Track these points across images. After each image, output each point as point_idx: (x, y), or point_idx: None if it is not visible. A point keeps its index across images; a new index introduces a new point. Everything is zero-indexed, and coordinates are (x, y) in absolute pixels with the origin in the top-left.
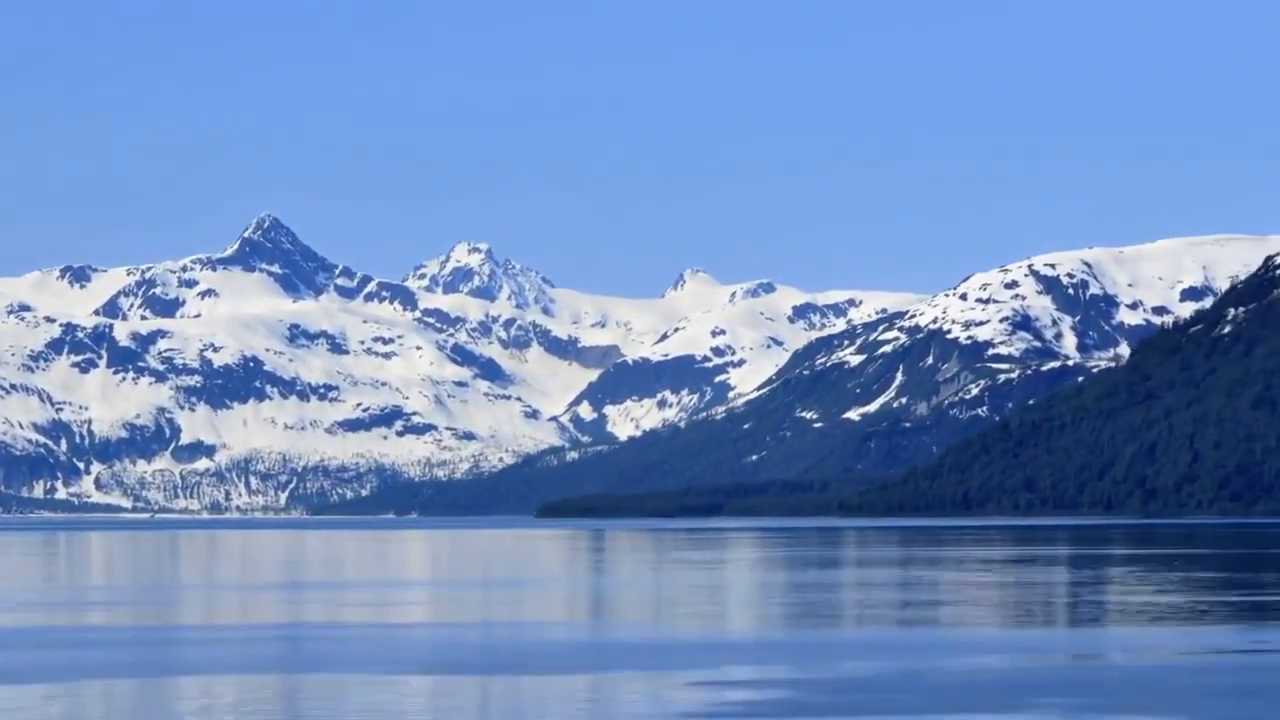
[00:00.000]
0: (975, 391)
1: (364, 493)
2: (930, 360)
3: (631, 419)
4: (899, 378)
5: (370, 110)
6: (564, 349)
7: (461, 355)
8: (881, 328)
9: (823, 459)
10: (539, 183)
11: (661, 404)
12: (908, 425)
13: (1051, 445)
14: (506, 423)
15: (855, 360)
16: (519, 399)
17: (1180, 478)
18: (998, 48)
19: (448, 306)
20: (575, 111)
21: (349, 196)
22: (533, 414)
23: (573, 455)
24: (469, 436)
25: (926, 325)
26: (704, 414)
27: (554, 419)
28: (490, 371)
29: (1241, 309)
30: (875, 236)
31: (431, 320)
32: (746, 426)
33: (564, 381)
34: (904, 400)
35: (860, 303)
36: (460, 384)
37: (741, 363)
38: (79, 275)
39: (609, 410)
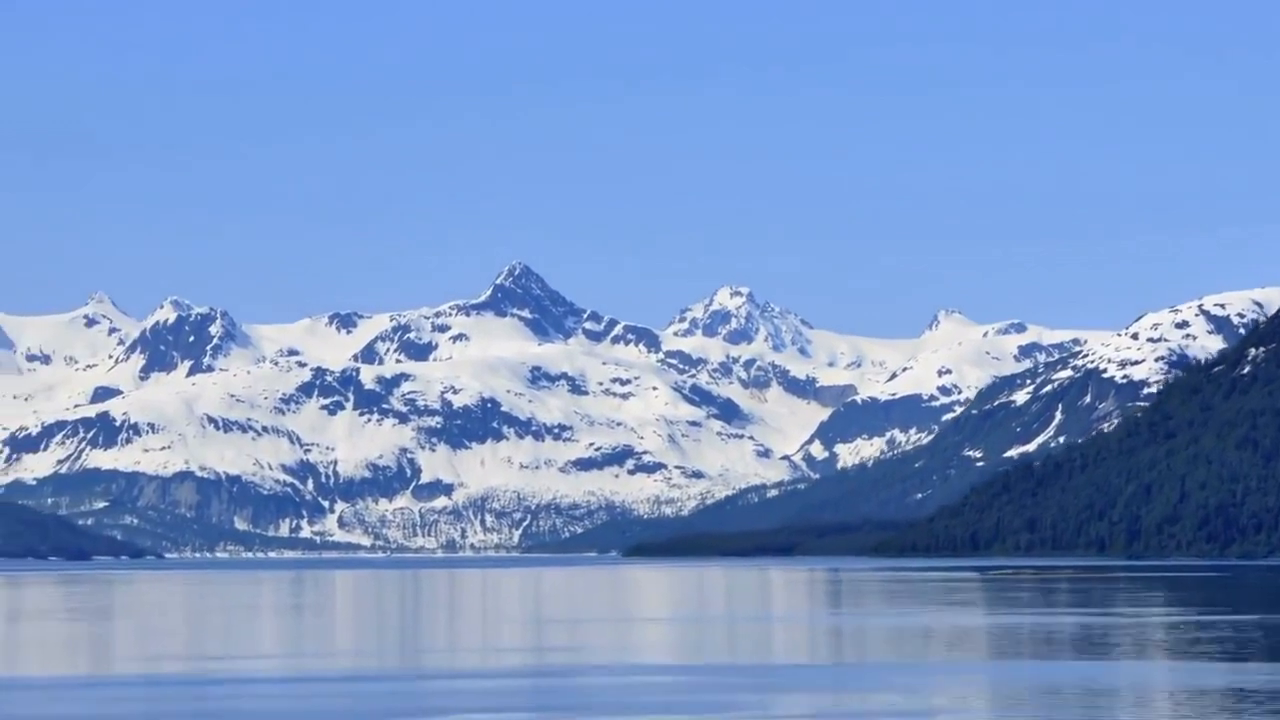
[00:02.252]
0: None
1: (583, 529)
2: (1088, 399)
3: (861, 457)
4: (1058, 416)
5: (626, 158)
6: (803, 389)
7: (699, 395)
8: (1058, 367)
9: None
10: (800, 227)
11: (891, 443)
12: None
13: (1065, 485)
14: (739, 461)
15: (1022, 399)
16: (752, 438)
17: (1164, 519)
18: (1187, 88)
19: (690, 348)
20: (835, 157)
21: (604, 243)
22: (765, 453)
23: (773, 493)
24: (698, 475)
25: (1086, 365)
26: (896, 453)
27: (786, 457)
28: (728, 411)
29: (1262, 349)
30: (1120, 278)
31: (674, 362)
32: (918, 465)
33: (801, 421)
34: (1061, 439)
35: (1085, 341)
36: (694, 424)
37: (967, 401)
38: (345, 321)
39: (840, 449)
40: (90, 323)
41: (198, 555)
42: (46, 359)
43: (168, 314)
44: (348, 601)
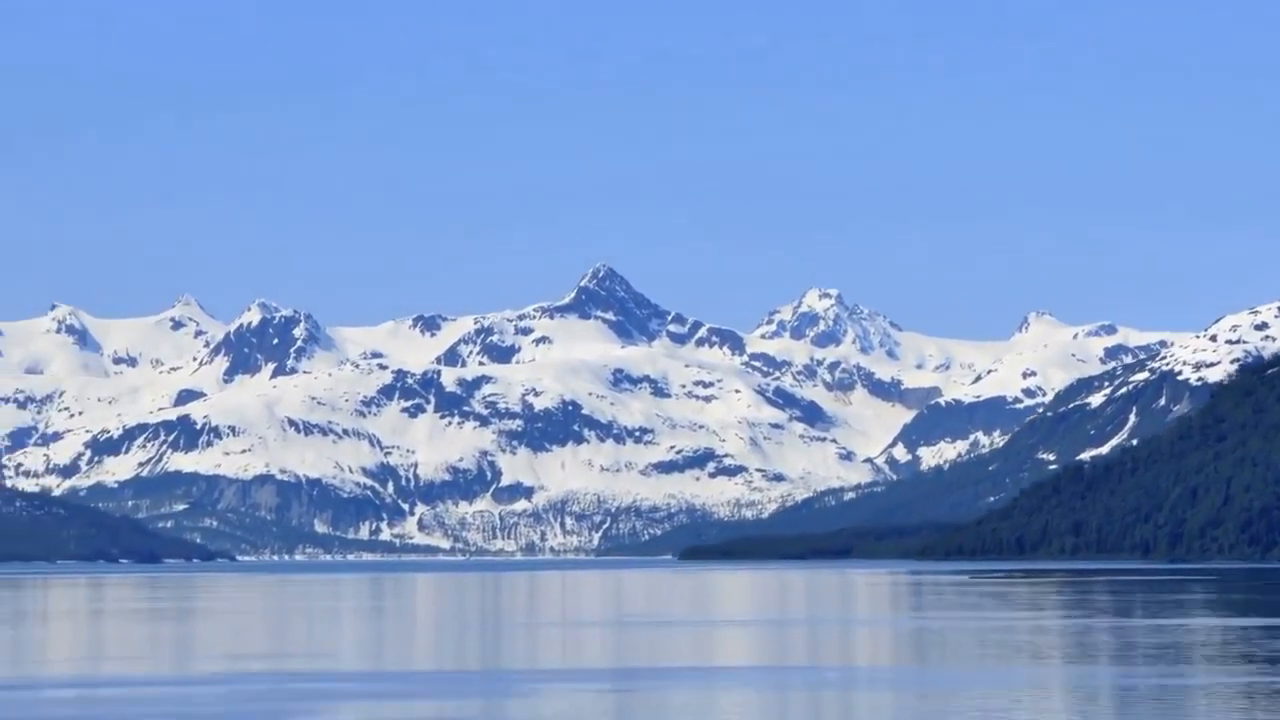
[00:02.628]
0: None
1: (662, 532)
2: (1162, 401)
3: (943, 460)
4: (1132, 419)
5: (715, 159)
6: (887, 391)
7: (783, 398)
8: (1136, 369)
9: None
10: (890, 228)
11: (974, 445)
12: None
13: (1115, 488)
14: (821, 464)
15: (1098, 401)
16: (834, 441)
17: (1207, 522)
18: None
19: (774, 350)
20: (928, 158)
21: (690, 246)
22: (847, 456)
23: (849, 496)
24: (779, 478)
25: (1161, 367)
26: (971, 456)
27: (868, 460)
28: (811, 414)
29: None
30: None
31: (758, 364)
32: (992, 468)
33: (885, 423)
34: (1134, 442)
35: (1171, 344)
36: (776, 426)
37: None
38: (430, 324)
39: (922, 451)
40: (177, 325)
41: (275, 558)
42: (133, 361)
43: (252, 317)
44: (429, 603)
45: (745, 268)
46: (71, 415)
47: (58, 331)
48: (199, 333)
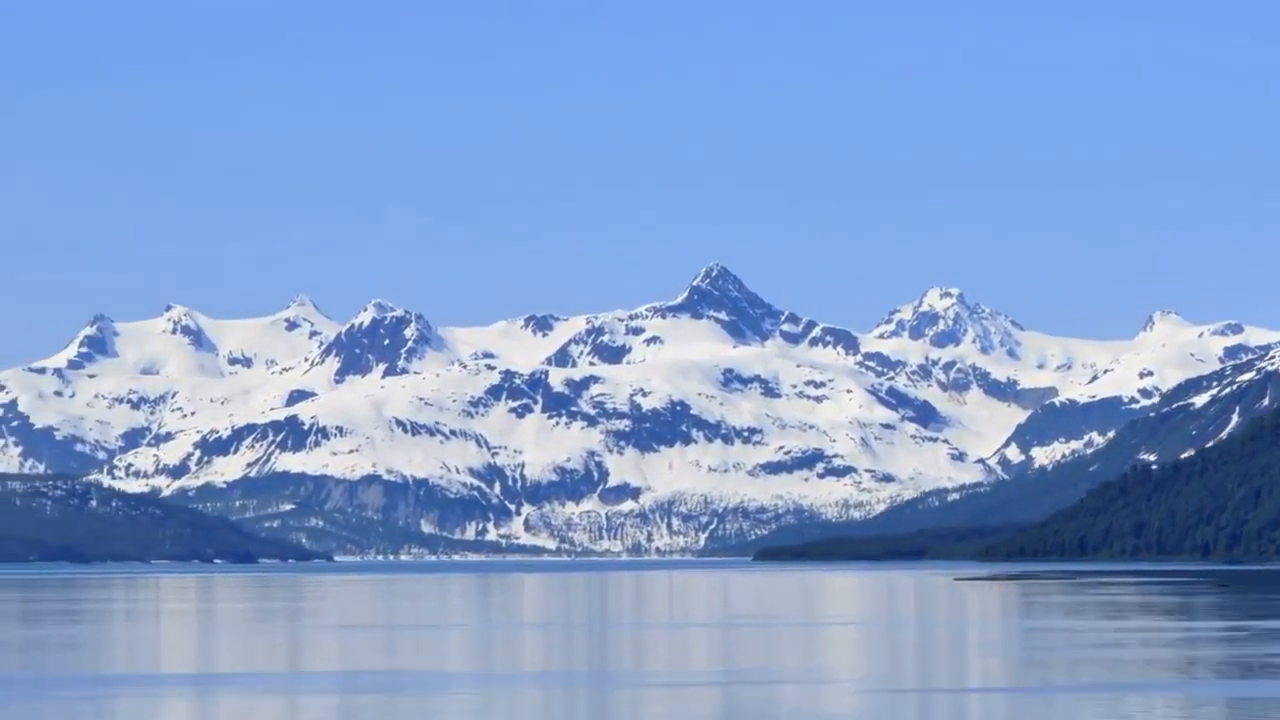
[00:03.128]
0: None
1: (769, 532)
2: (1267, 402)
3: (1057, 460)
4: (1234, 419)
5: (831, 157)
6: (1003, 391)
7: (895, 398)
8: (1244, 369)
9: None
10: (1013, 227)
11: (1088, 445)
12: None
13: (1181, 489)
14: (932, 465)
15: (1202, 401)
16: (946, 441)
17: (1267, 523)
18: None
19: (889, 350)
20: (1052, 154)
21: (806, 245)
22: (959, 456)
23: (954, 497)
24: (888, 479)
25: (1268, 367)
26: (1073, 456)
27: (980, 461)
28: (925, 414)
29: None
30: None
31: (872, 364)
32: (1093, 469)
33: (1000, 424)
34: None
35: None
36: (888, 426)
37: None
38: (541, 324)
39: (1036, 452)
40: (291, 326)
41: (380, 558)
42: (248, 362)
43: (364, 318)
44: (537, 604)
45: (864, 267)
46: (184, 416)
47: (173, 332)
48: (313, 333)
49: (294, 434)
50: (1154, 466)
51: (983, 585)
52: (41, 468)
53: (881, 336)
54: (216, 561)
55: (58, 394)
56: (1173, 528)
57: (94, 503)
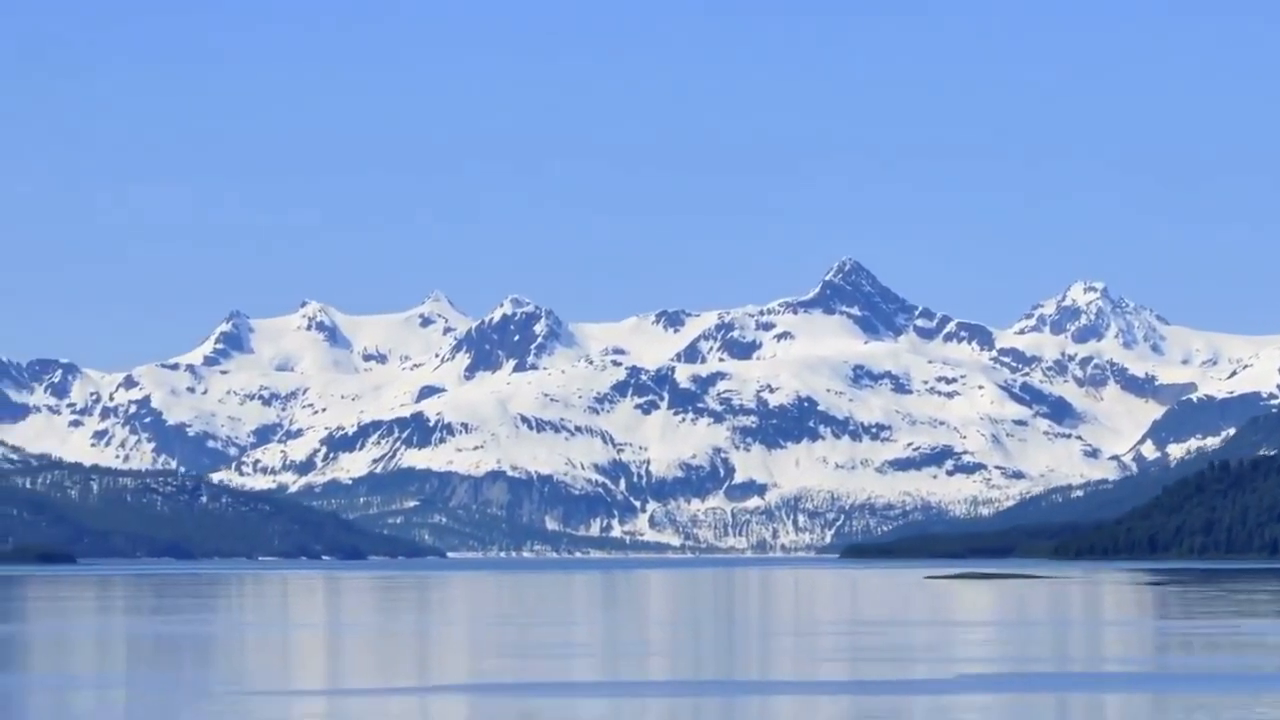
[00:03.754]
0: None
1: (896, 530)
2: None
3: (1182, 458)
4: None
5: (967, 150)
6: (1141, 387)
7: (1029, 394)
8: None
9: None
10: (1160, 219)
11: (1225, 441)
12: None
13: (1258, 486)
14: (1064, 461)
15: None
16: (1080, 438)
17: None
18: None
19: (1025, 346)
20: (1203, 143)
21: (943, 239)
22: (1093, 453)
23: (1078, 494)
24: (1018, 476)
25: None
26: (1194, 453)
27: (1115, 458)
28: (1059, 410)
29: None
30: None
31: (1006, 360)
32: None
33: (1137, 420)
34: None
35: None
36: (1020, 423)
37: None
38: (673, 320)
39: (1172, 448)
40: (426, 322)
41: (502, 555)
42: (382, 358)
43: (495, 314)
44: (664, 601)
45: (1005, 261)
46: (315, 412)
47: (308, 328)
48: (448, 329)
49: (420, 430)
50: (1234, 463)
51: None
52: (174, 464)
53: (1021, 332)
54: (324, 558)
55: (190, 390)
56: (1243, 525)
57: (204, 499)
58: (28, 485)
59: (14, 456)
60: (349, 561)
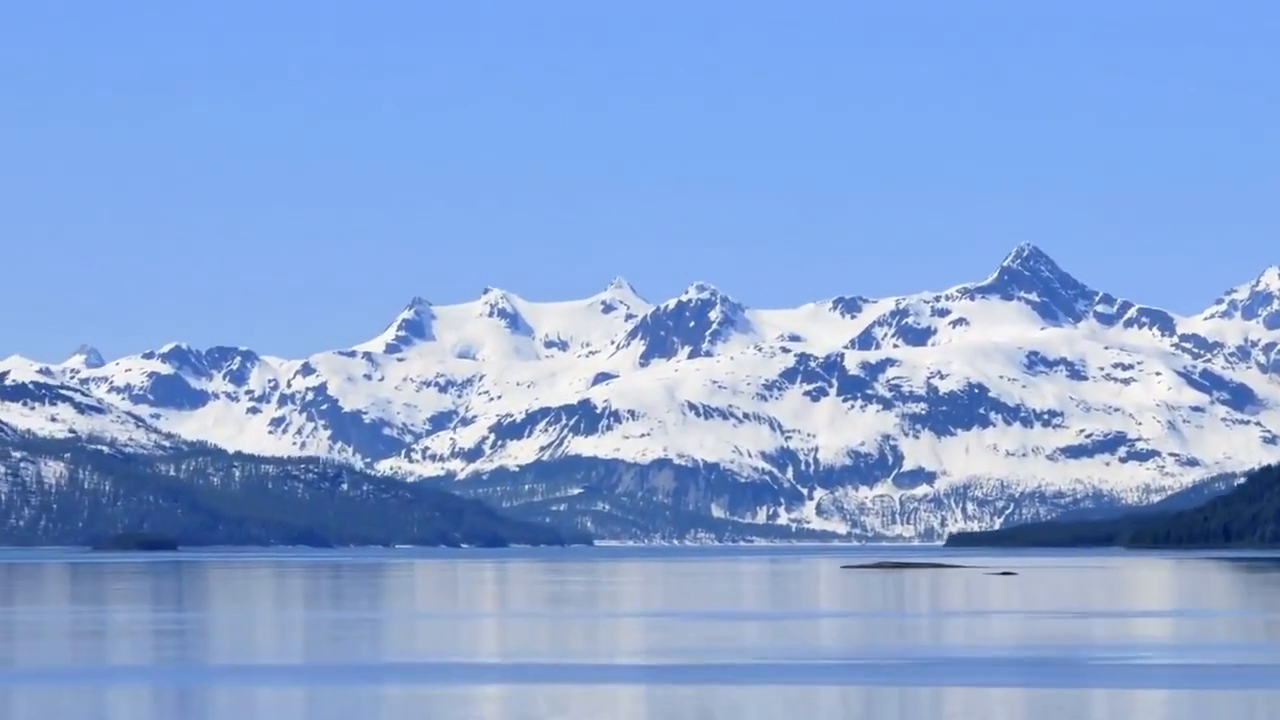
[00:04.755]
0: None
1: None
2: None
3: None
4: None
5: (1150, 137)
6: None
7: (1209, 380)
8: None
9: None
10: None
11: None
12: None
13: None
14: (1242, 448)
15: None
16: (1259, 424)
17: None
18: None
19: (1207, 332)
20: None
21: (1125, 225)
22: (1272, 440)
23: (1240, 481)
24: (1192, 463)
25: None
26: None
27: None
28: (1240, 397)
29: None
30: None
31: (1187, 346)
32: None
33: None
34: None
35: None
36: (1197, 409)
37: None
38: (850, 306)
39: None
40: (607, 309)
41: (665, 543)
42: (564, 345)
43: (671, 301)
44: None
45: (1193, 246)
46: (490, 399)
47: (490, 315)
48: (629, 316)
49: (587, 418)
50: None
51: (846, 574)
52: (350, 451)
53: (1208, 318)
54: (463, 546)
55: (367, 378)
56: None
57: (345, 486)
58: (170, 472)
59: (165, 444)
60: (489, 550)
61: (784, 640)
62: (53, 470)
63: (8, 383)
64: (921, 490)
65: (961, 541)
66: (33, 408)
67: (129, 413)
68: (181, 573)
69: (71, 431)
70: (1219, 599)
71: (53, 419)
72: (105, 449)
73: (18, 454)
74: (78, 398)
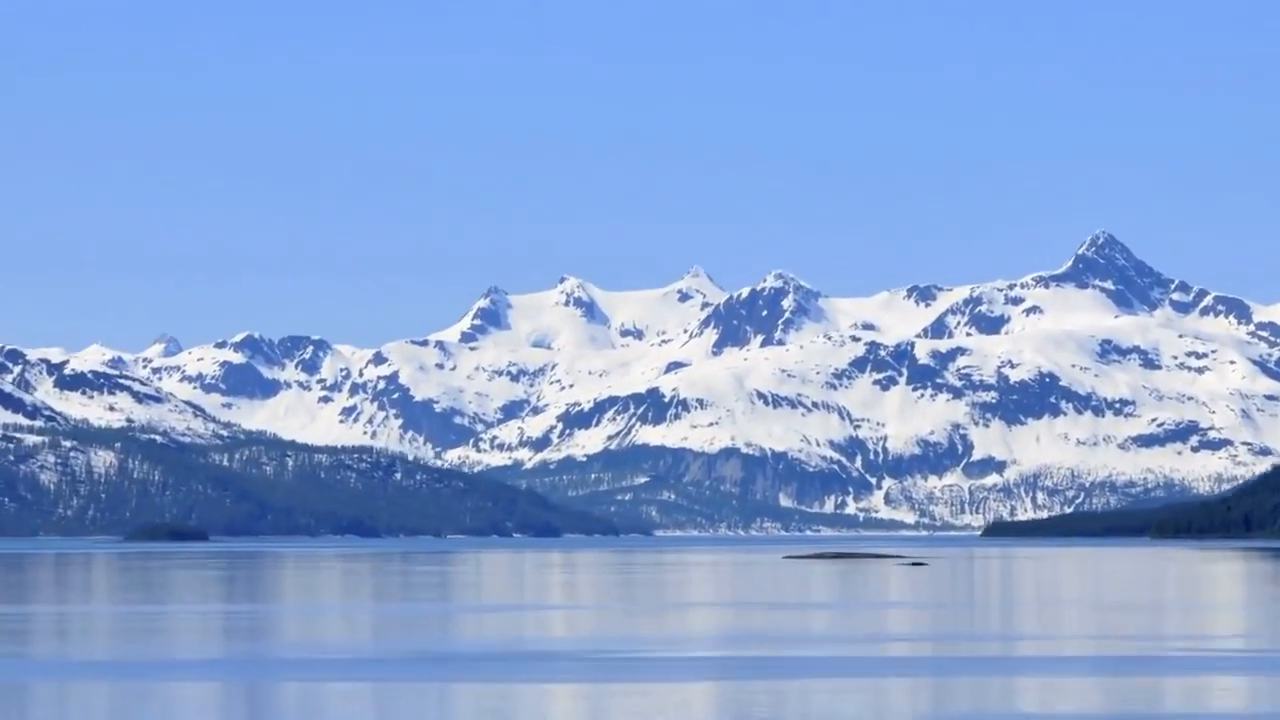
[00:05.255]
0: None
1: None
2: None
3: None
4: None
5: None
6: None
7: None
8: None
9: None
10: None
11: None
12: None
13: None
14: None
15: None
16: None
17: None
18: None
19: None
20: None
21: (1202, 212)
22: None
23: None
24: (1265, 452)
25: None
26: None
27: None
28: None
29: None
30: None
31: (1264, 334)
32: None
33: None
34: None
35: None
36: (1271, 398)
37: None
38: (924, 295)
39: None
40: (683, 297)
41: (730, 533)
42: (639, 334)
43: (744, 290)
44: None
45: (1269, 233)
46: (562, 389)
47: (566, 304)
48: (705, 305)
49: (655, 407)
50: None
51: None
52: (420, 441)
53: None
54: (515, 536)
55: (439, 367)
56: None
57: (398, 475)
58: (223, 461)
59: (224, 433)
60: (541, 539)
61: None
62: (102, 460)
63: (67, 372)
64: (991, 480)
65: (998, 531)
66: (91, 397)
67: (188, 402)
68: (173, 565)
69: (129, 421)
70: (1113, 588)
71: (111, 408)
72: (158, 438)
73: (68, 443)
74: (136, 387)
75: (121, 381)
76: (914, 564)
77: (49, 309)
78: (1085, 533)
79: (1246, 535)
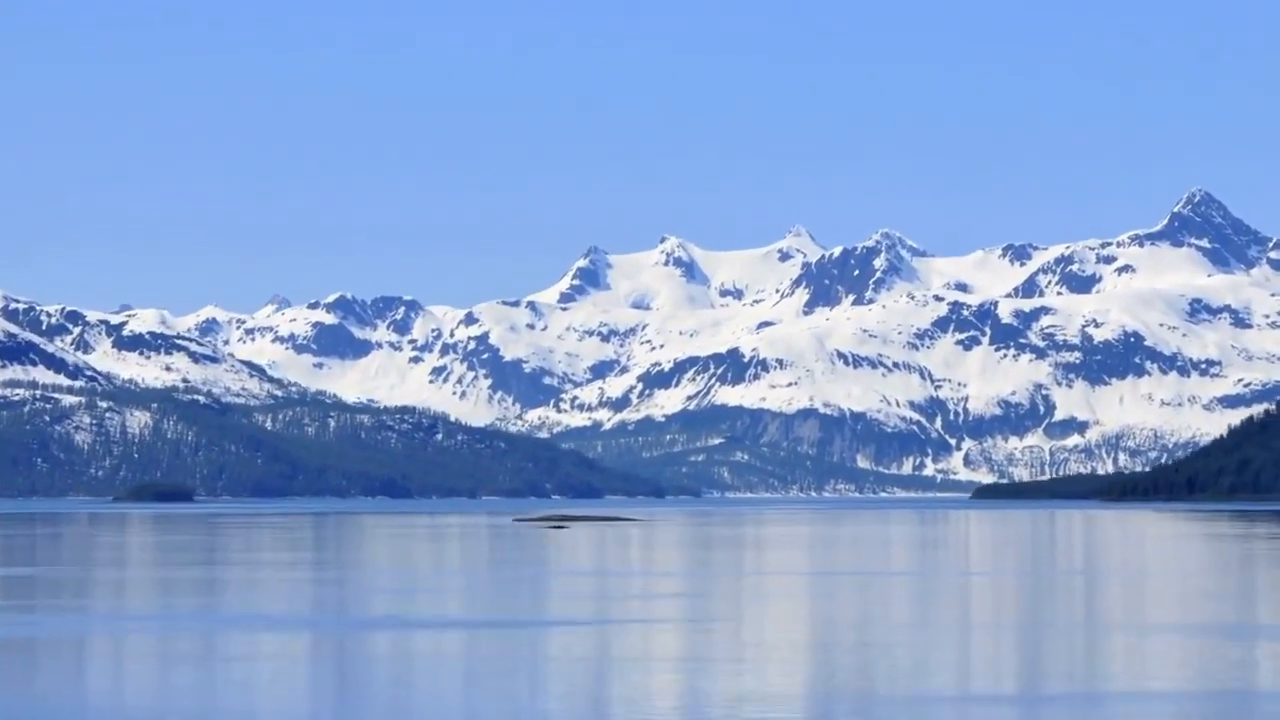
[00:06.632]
0: None
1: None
2: None
3: None
4: None
5: None
6: None
7: None
8: None
9: None
10: None
11: None
12: None
13: None
14: None
15: None
16: None
17: None
18: None
19: None
20: None
21: None
22: None
23: None
24: None
25: None
26: None
27: None
28: None
29: None
30: None
31: None
32: None
33: None
34: None
35: None
36: None
37: None
38: (1019, 254)
39: None
40: (784, 257)
41: (803, 495)
42: (738, 294)
43: (837, 249)
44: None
45: None
46: (652, 349)
47: (665, 264)
48: (805, 264)
49: (735, 367)
50: None
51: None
52: (510, 401)
53: None
54: (554, 498)
55: (529, 327)
56: (1277, 466)
57: (439, 436)
58: (265, 422)
59: (278, 393)
60: (579, 500)
61: None
62: (138, 420)
63: (126, 333)
64: (1073, 440)
65: (986, 493)
66: (148, 357)
67: (245, 361)
68: (101, 529)
69: (185, 380)
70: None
71: (167, 368)
72: (201, 399)
73: (104, 404)
74: (193, 347)
75: (178, 342)
76: (629, 524)
77: (159, 273)
78: (1076, 495)
79: (1189, 498)
